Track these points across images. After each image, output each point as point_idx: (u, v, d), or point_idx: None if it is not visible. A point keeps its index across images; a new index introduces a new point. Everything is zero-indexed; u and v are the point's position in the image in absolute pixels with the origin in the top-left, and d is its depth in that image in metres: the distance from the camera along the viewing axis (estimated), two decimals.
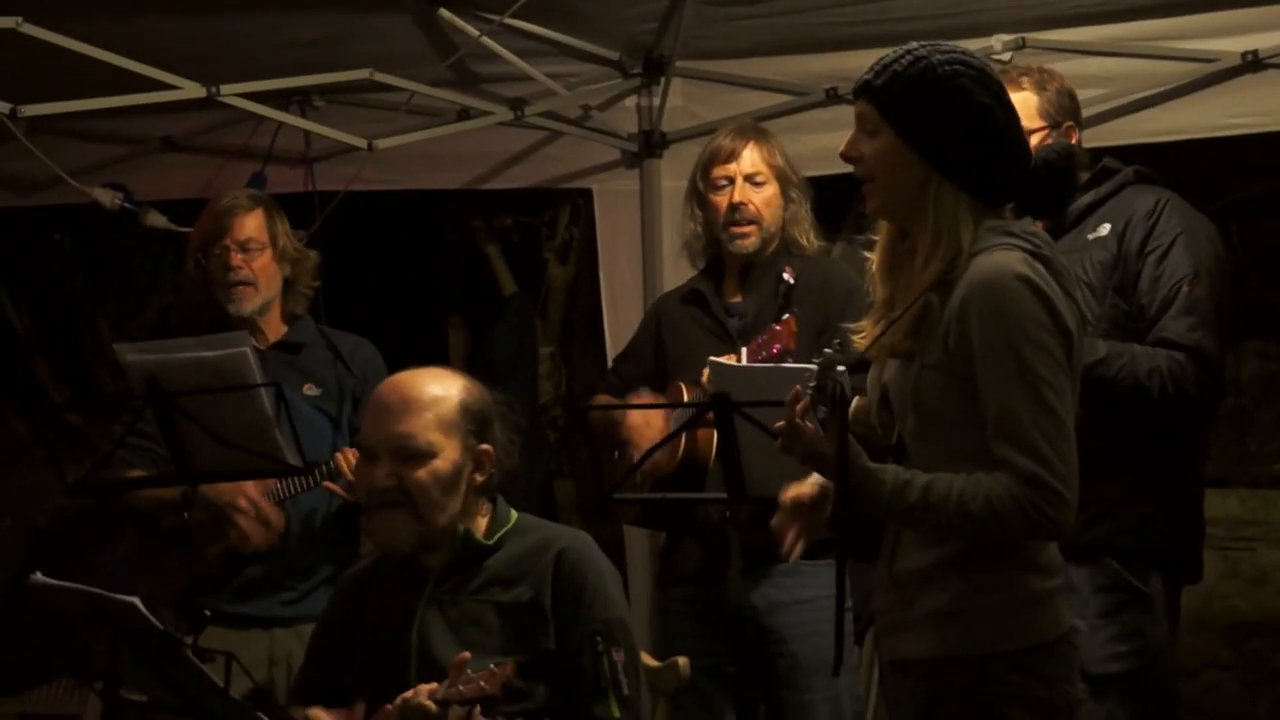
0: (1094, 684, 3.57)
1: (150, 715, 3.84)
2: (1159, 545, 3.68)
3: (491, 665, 2.89)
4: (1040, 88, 3.75)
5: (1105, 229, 3.71)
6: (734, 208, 4.17)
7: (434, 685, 2.92)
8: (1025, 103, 3.67)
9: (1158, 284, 3.63)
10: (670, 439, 3.87)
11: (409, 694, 2.93)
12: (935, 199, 2.82)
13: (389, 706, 2.97)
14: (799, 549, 3.00)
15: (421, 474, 3.12)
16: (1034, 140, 3.64)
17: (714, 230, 4.25)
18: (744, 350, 3.99)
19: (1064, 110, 3.77)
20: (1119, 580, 3.63)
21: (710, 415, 3.51)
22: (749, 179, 4.19)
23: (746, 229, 4.18)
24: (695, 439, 3.96)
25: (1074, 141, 3.77)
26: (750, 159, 4.20)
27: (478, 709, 2.89)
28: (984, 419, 2.75)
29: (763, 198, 4.19)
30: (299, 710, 3.25)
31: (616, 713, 3.06)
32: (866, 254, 2.99)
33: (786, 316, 3.92)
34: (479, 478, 3.19)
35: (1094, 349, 3.50)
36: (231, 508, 4.07)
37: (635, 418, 4.15)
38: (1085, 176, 3.78)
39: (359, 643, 3.25)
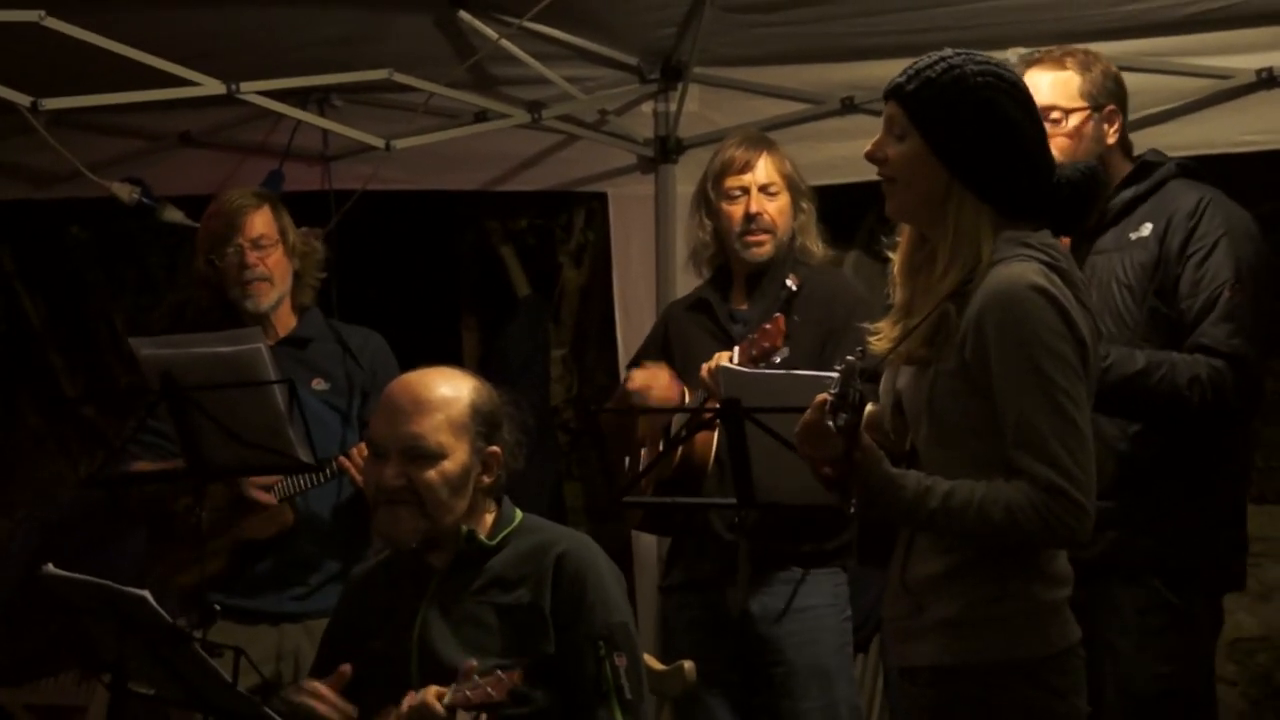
0: (1137, 703, 3.56)
1: (157, 708, 3.84)
2: (1203, 561, 3.61)
3: (499, 672, 2.90)
4: (1084, 68, 3.67)
5: (1147, 229, 3.60)
6: (750, 218, 4.16)
7: (441, 689, 2.93)
8: (1068, 83, 3.64)
9: (1198, 288, 3.53)
10: (677, 442, 3.85)
11: (414, 696, 2.95)
12: (957, 208, 2.82)
13: (395, 709, 2.98)
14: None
15: (430, 474, 3.13)
16: (1074, 121, 3.61)
17: (725, 239, 4.24)
18: (735, 350, 3.97)
19: (1108, 93, 3.68)
20: (1163, 600, 3.55)
21: (712, 417, 3.51)
22: (763, 189, 4.19)
23: (762, 238, 4.17)
24: (692, 444, 3.95)
25: (1116, 126, 3.70)
26: (765, 169, 4.20)
27: (483, 716, 2.90)
28: (1000, 427, 2.74)
29: (776, 207, 4.19)
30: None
31: (620, 718, 3.06)
32: (889, 254, 2.96)
33: (776, 315, 3.93)
34: (486, 479, 3.20)
35: (1133, 359, 3.46)
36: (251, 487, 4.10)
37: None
38: (1126, 170, 3.72)
39: (365, 640, 3.26)
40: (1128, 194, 3.67)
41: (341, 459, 4.04)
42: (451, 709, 2.88)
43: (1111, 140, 3.71)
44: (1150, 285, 3.59)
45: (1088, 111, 3.65)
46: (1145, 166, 3.73)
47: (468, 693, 2.88)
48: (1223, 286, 3.53)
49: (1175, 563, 3.57)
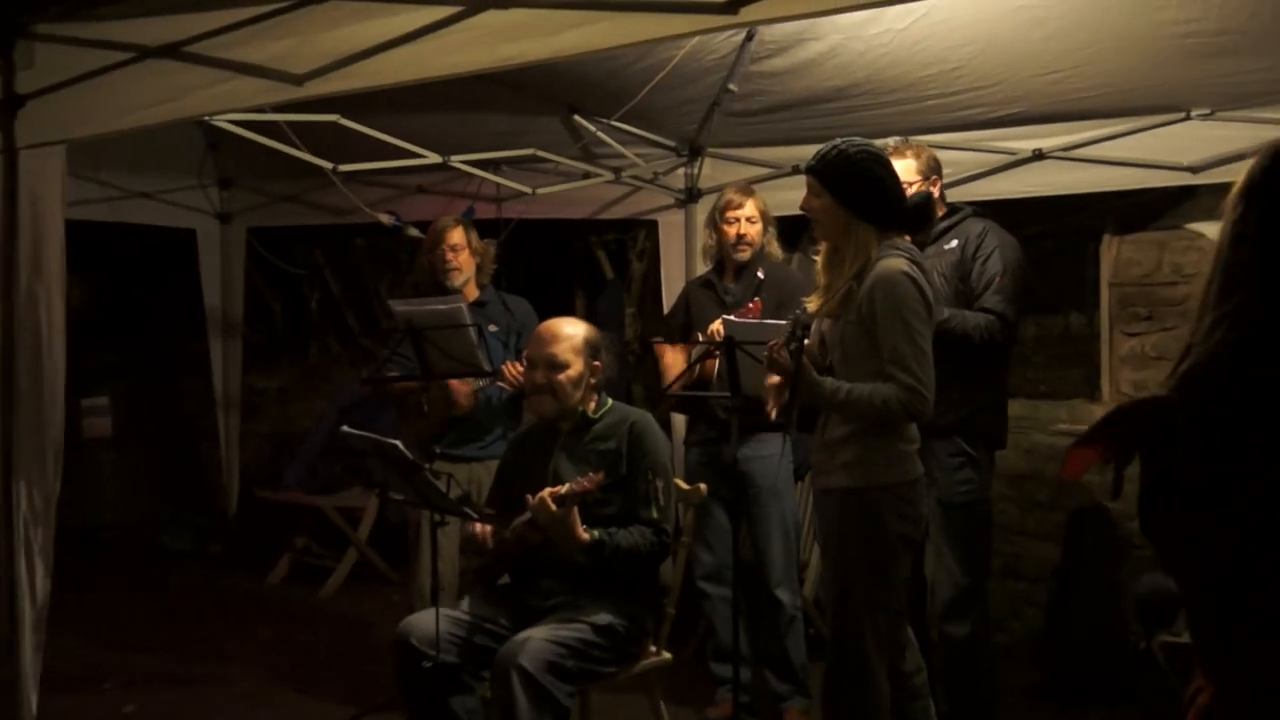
0: (948, 509, 3.57)
1: (404, 508, 3.88)
2: (984, 427, 3.63)
3: (590, 473, 2.97)
4: (918, 155, 3.68)
5: (954, 243, 3.63)
6: (739, 237, 4.14)
7: (554, 489, 2.98)
8: (910, 166, 3.62)
9: (983, 276, 3.57)
10: (695, 364, 3.85)
11: (541, 493, 2.98)
12: (855, 230, 2.82)
13: (530, 497, 3.02)
14: (774, 410, 2.95)
15: (561, 377, 3.16)
16: (914, 189, 3.58)
17: (724, 247, 4.22)
18: (733, 315, 3.95)
19: (932, 169, 3.68)
20: (961, 449, 3.58)
21: (717, 351, 3.50)
22: (748, 220, 4.15)
23: (744, 248, 4.14)
24: (704, 367, 3.94)
25: (937, 189, 3.69)
26: (749, 208, 4.16)
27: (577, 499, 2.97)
28: (880, 354, 2.73)
29: (755, 230, 4.15)
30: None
31: (654, 514, 3.10)
32: (814, 258, 2.98)
33: (756, 299, 3.91)
34: (593, 380, 3.24)
35: (941, 313, 3.45)
36: (455, 391, 4.09)
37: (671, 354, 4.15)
38: (943, 211, 3.72)
39: (520, 472, 3.28)
40: (942, 225, 3.68)
41: (505, 369, 4.05)
42: (564, 499, 2.94)
43: (936, 195, 3.68)
44: (956, 274, 3.61)
45: (922, 181, 3.64)
46: (953, 209, 3.76)
47: (572, 486, 2.95)
48: (995, 275, 3.56)
49: (969, 429, 3.58)
